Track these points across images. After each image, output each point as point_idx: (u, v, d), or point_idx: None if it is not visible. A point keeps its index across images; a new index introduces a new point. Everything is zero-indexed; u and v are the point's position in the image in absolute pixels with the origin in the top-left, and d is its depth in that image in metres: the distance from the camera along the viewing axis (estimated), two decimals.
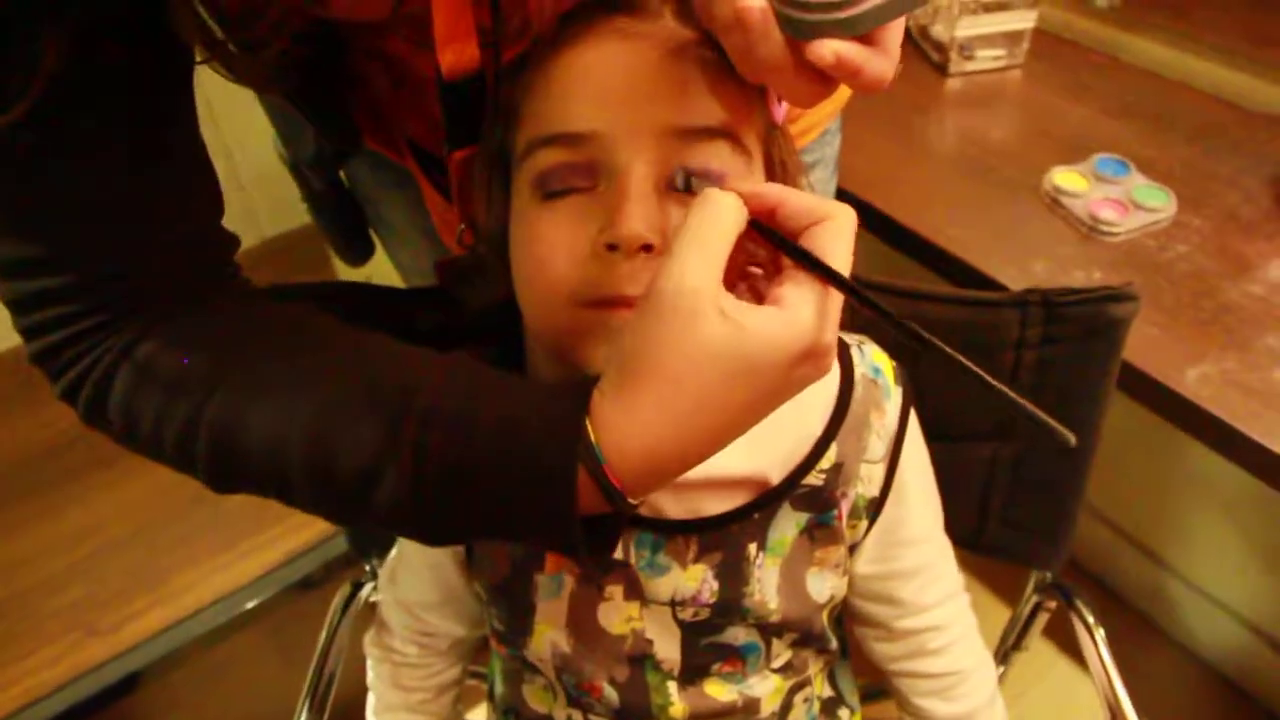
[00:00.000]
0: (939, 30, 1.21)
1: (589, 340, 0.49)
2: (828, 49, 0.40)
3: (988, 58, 1.20)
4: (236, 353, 0.47)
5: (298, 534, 1.26)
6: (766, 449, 0.58)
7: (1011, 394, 0.38)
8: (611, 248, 0.47)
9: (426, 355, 0.47)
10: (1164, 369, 0.80)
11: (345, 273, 0.99)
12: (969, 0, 1.15)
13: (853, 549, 0.63)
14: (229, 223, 0.52)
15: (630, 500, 0.42)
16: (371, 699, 0.75)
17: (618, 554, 0.59)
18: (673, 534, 0.59)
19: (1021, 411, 0.37)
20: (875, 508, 0.62)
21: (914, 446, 0.63)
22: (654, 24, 0.49)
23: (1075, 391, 0.67)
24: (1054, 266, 0.91)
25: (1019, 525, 0.74)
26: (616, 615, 0.60)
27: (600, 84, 0.48)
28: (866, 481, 0.61)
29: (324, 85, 0.65)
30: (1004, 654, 0.85)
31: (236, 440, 0.45)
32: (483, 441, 0.42)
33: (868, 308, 0.41)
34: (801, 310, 0.40)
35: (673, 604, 0.60)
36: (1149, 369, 0.80)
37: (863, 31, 0.41)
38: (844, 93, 0.82)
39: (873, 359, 0.62)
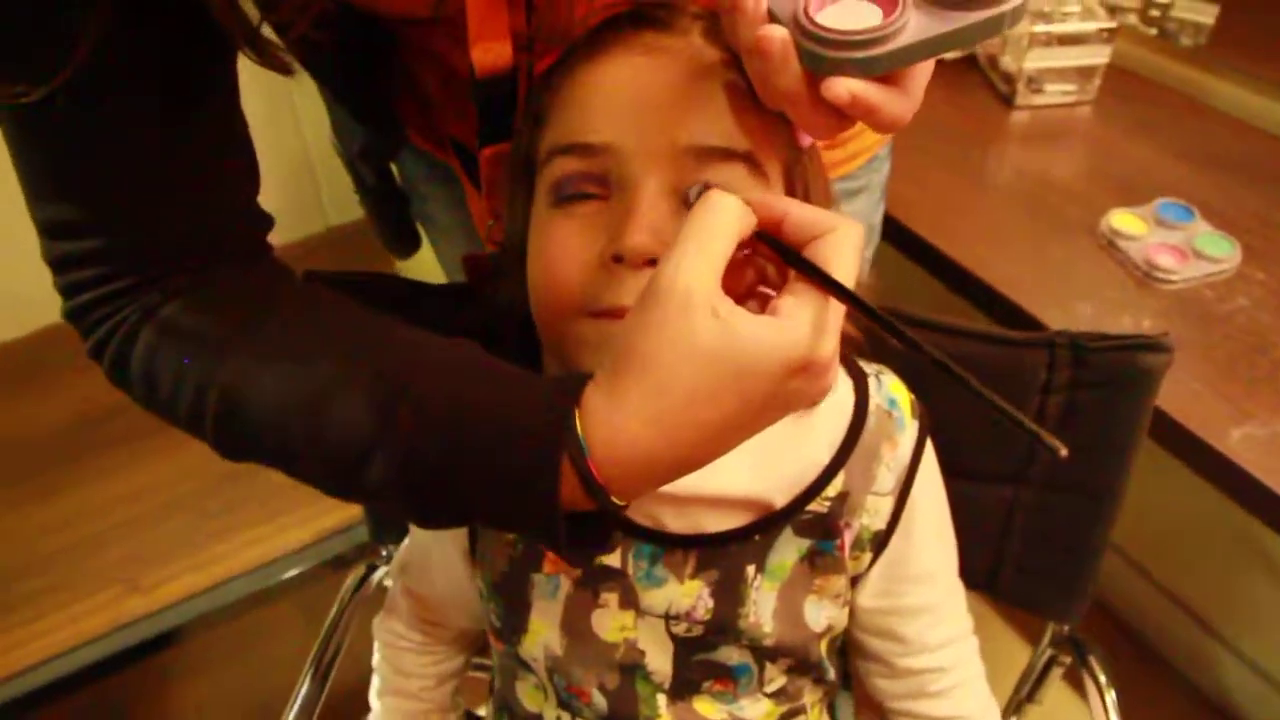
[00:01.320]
0: (1007, 61, 1.18)
1: (591, 350, 0.49)
2: (843, 87, 0.40)
3: (1057, 92, 1.18)
4: (253, 322, 0.48)
5: (332, 514, 1.30)
6: (771, 472, 0.58)
7: (996, 399, 0.37)
8: (617, 259, 0.47)
9: (431, 339, 0.48)
10: (1207, 426, 0.77)
11: (403, 266, 1.01)
12: (1041, 32, 1.13)
13: (855, 580, 0.62)
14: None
15: (615, 499, 0.42)
16: (375, 680, 0.76)
17: (614, 562, 0.59)
18: (672, 547, 0.59)
19: (1005, 415, 0.36)
20: (881, 541, 0.61)
21: (927, 482, 0.62)
22: (681, 41, 0.50)
23: (1102, 442, 0.65)
24: (1101, 310, 0.89)
25: (1036, 573, 0.72)
26: (610, 622, 0.61)
27: (618, 97, 0.49)
28: (873, 513, 0.60)
29: (367, 81, 0.67)
30: (1016, 705, 0.83)
31: (243, 407, 0.46)
32: (472, 427, 0.43)
33: (868, 318, 0.40)
34: (798, 320, 0.40)
35: (667, 617, 0.60)
36: (1191, 424, 0.77)
37: (879, 73, 0.40)
38: None
39: (889, 390, 0.61)
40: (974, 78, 1.25)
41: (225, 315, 0.49)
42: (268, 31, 0.46)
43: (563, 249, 0.50)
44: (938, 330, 0.65)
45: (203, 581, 1.30)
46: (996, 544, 0.72)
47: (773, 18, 0.42)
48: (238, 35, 0.44)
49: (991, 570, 0.73)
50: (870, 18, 0.40)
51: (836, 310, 0.41)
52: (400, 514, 0.50)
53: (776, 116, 0.50)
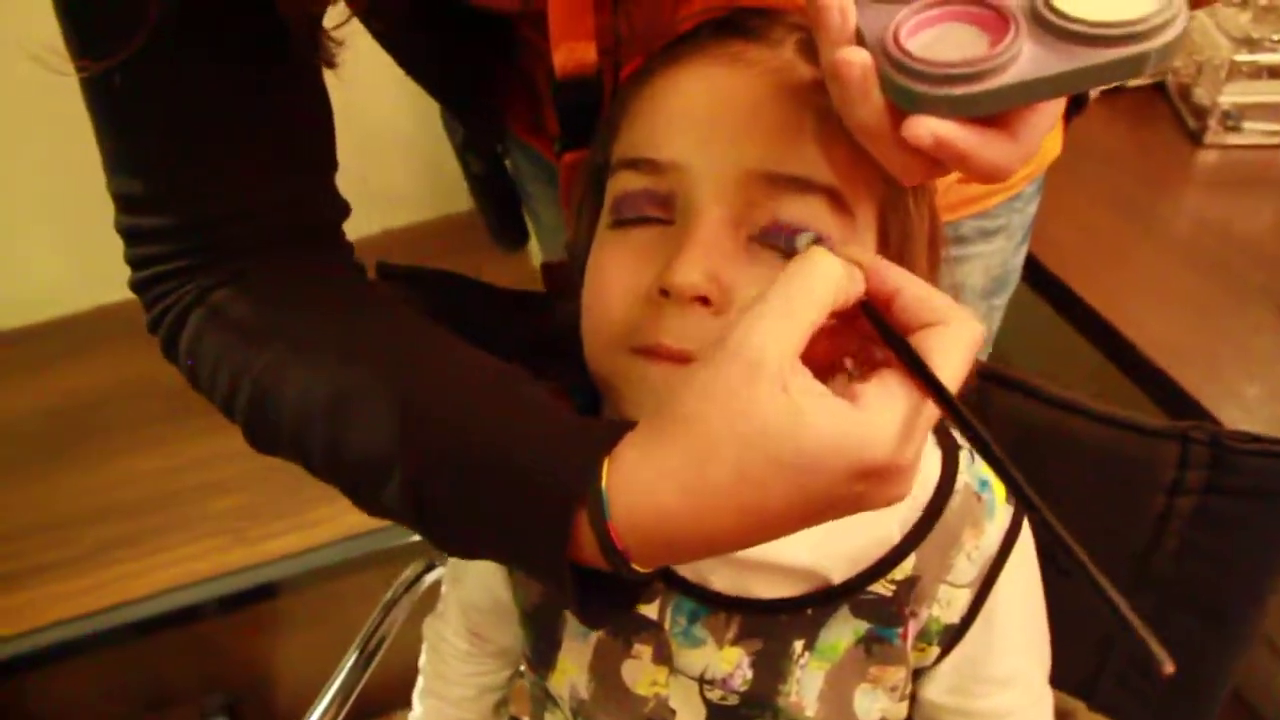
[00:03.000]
0: (1201, 93, 1.05)
1: (629, 387, 0.45)
2: (925, 129, 0.34)
3: (1256, 131, 1.03)
4: (298, 315, 0.47)
5: None
6: (831, 543, 0.52)
7: (1111, 591, 0.31)
8: (664, 293, 0.42)
9: (477, 360, 0.45)
10: None
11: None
12: (1244, 61, 0.99)
13: (918, 673, 0.56)
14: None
15: (633, 565, 0.37)
16: (420, 680, 0.75)
17: (652, 613, 0.55)
18: (715, 607, 0.54)
19: (1115, 614, 0.30)
20: (952, 636, 0.54)
21: (1019, 579, 0.54)
22: (770, 53, 0.45)
23: (1236, 561, 0.55)
24: (1272, 397, 0.76)
25: (1142, 692, 0.62)
26: (641, 675, 0.56)
27: (691, 112, 0.44)
28: (945, 605, 0.53)
29: (461, 75, 0.65)
30: None
31: (271, 401, 0.45)
32: (490, 466, 0.39)
33: (970, 438, 0.34)
34: (881, 416, 0.34)
35: (701, 680, 0.55)
36: None
37: (979, 114, 0.34)
38: (1047, 153, 0.73)
39: (983, 469, 0.53)
40: (1160, 109, 1.11)
41: (273, 305, 0.48)
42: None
43: (613, 278, 0.46)
44: (1050, 402, 0.57)
45: (303, 541, 1.35)
46: (1098, 650, 0.63)
47: (861, 38, 0.36)
48: (297, 22, 0.43)
49: (1090, 678, 0.64)
50: (973, 47, 0.34)
51: (929, 415, 0.35)
52: (419, 534, 0.48)
53: None
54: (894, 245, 0.47)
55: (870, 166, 0.44)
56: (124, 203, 0.48)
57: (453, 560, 0.73)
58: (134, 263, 0.50)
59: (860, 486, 0.35)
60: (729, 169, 0.43)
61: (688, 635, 0.54)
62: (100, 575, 1.33)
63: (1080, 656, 0.64)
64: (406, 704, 0.76)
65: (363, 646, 0.79)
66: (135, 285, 0.50)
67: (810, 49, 0.44)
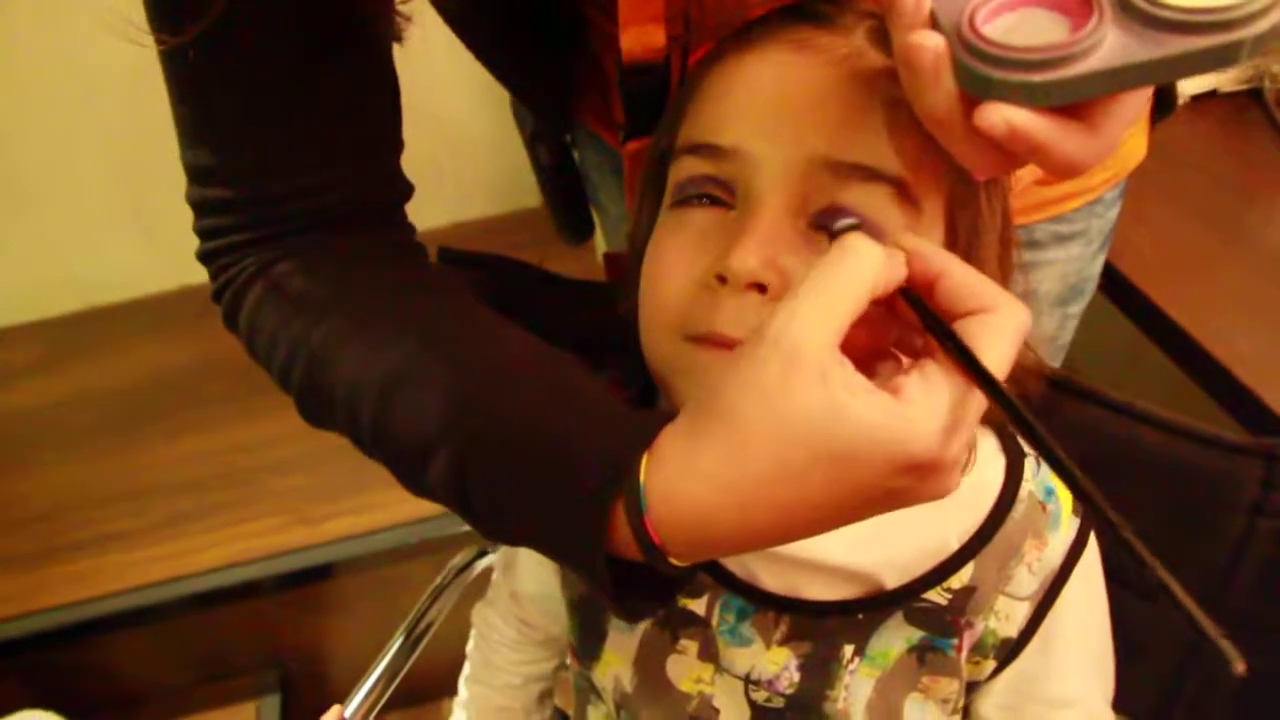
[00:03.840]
0: None
1: (683, 377, 0.44)
2: (998, 116, 0.32)
3: None
4: (357, 293, 0.47)
5: None
6: (885, 547, 0.50)
7: (1173, 583, 0.29)
8: (721, 279, 0.42)
9: (531, 348, 0.45)
10: None
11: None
12: None
13: (971, 686, 0.54)
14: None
15: (670, 559, 0.37)
16: (466, 666, 0.76)
17: (699, 609, 0.54)
18: (764, 606, 0.53)
19: (1173, 601, 0.28)
20: (1009, 650, 0.52)
21: (1082, 595, 0.52)
22: (841, 40, 0.44)
23: None
24: None
25: None
26: (686, 672, 0.55)
27: (757, 97, 0.44)
28: (1003, 618, 0.51)
29: (535, 58, 0.65)
30: None
31: (324, 376, 0.46)
32: (530, 456, 0.39)
33: (1018, 426, 0.33)
34: (923, 409, 0.33)
35: (747, 680, 0.54)
36: None
37: (1057, 103, 0.32)
38: (1129, 156, 0.70)
39: (1049, 478, 0.51)
40: (1255, 113, 1.06)
41: (332, 281, 0.48)
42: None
43: (672, 262, 0.45)
44: (1122, 412, 0.55)
45: (362, 525, 1.37)
46: (1169, 677, 0.60)
47: (935, 23, 0.34)
48: None
49: (1161, 708, 0.61)
50: (1053, 32, 0.32)
51: (976, 405, 0.34)
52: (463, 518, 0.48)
53: None
54: (962, 242, 0.46)
55: (941, 159, 0.43)
56: (194, 174, 0.49)
57: (504, 548, 0.74)
58: (201, 233, 0.51)
59: (903, 481, 0.34)
60: (793, 156, 0.42)
61: (735, 633, 0.53)
62: (167, 547, 1.37)
63: (1149, 683, 0.61)
64: (454, 691, 0.76)
65: (410, 630, 0.79)
66: (201, 255, 0.51)
67: (882, 36, 0.43)
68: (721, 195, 0.45)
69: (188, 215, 0.50)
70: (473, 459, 0.41)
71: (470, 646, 0.76)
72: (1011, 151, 0.34)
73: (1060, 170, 0.34)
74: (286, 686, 1.40)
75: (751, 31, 0.46)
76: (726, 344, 0.42)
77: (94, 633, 1.32)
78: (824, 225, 0.42)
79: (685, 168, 0.46)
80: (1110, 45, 0.31)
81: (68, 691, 1.14)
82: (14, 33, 1.48)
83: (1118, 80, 0.31)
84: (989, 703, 0.54)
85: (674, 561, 0.37)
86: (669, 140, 0.49)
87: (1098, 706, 0.55)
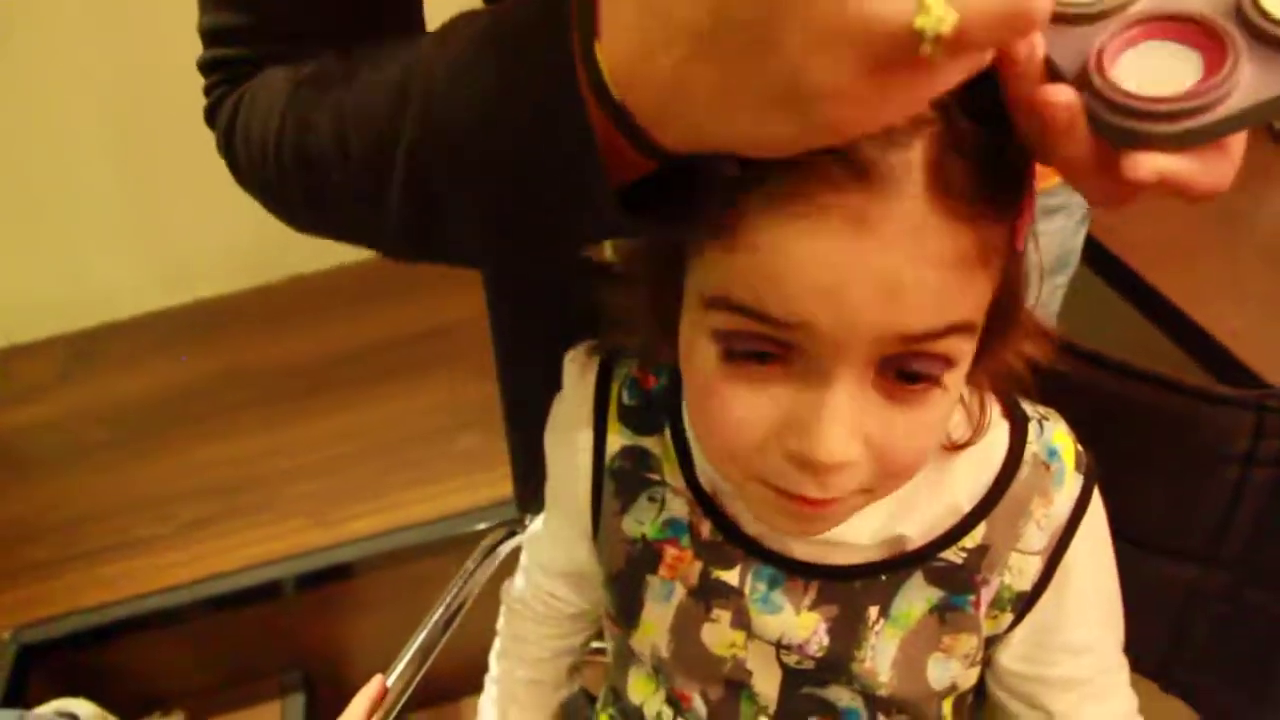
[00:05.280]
0: None
1: (751, 503, 0.49)
2: (1147, 167, 0.32)
3: None
4: (347, 61, 0.45)
5: (497, 486, 1.35)
6: (910, 512, 0.54)
7: None
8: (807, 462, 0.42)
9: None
10: None
11: None
12: None
13: (990, 641, 0.57)
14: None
15: (635, 119, 0.34)
16: (496, 643, 0.78)
17: (732, 579, 0.57)
18: (793, 574, 0.56)
19: None
20: (1025, 603, 0.55)
21: (1090, 547, 0.55)
22: (897, 205, 0.38)
23: None
24: None
25: (1217, 674, 0.62)
26: (720, 638, 0.59)
27: (818, 279, 0.39)
28: (1016, 572, 0.54)
29: None
30: None
31: (309, 131, 0.44)
32: (485, 56, 0.38)
33: None
34: None
35: (779, 645, 0.57)
36: None
37: (1203, 144, 0.32)
38: None
39: (1052, 439, 0.55)
40: None
41: (320, 60, 0.46)
42: None
43: (740, 420, 0.44)
44: (1116, 370, 0.57)
45: (381, 524, 1.39)
46: (1171, 629, 0.63)
47: (1051, 65, 0.33)
48: None
49: (1163, 659, 0.64)
50: (1184, 69, 0.32)
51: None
52: (458, 247, 0.45)
53: (1003, 225, 0.41)
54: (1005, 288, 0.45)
55: (996, 256, 0.41)
56: (210, 37, 0.49)
57: (532, 527, 0.76)
58: (203, 67, 0.50)
59: (814, 60, 0.29)
60: (864, 335, 0.40)
61: (766, 601, 0.56)
62: (191, 550, 1.40)
63: (1151, 636, 0.64)
64: (475, 689, 0.78)
65: (445, 607, 0.81)
66: (203, 65, 0.50)
67: (939, 183, 0.38)
68: (776, 351, 0.42)
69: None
70: (425, 111, 0.39)
71: (500, 622, 0.77)
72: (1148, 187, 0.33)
73: (1202, 198, 0.34)
74: (310, 686, 1.42)
75: (784, 186, 0.38)
76: (813, 504, 0.44)
77: (120, 635, 1.35)
78: (901, 379, 0.42)
79: (733, 322, 0.42)
80: (1249, 80, 0.31)
81: (95, 693, 1.16)
82: (30, 54, 1.51)
83: (1261, 114, 0.31)
84: (1009, 654, 0.57)
85: (641, 124, 0.35)
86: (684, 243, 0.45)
87: (1111, 651, 0.58)
